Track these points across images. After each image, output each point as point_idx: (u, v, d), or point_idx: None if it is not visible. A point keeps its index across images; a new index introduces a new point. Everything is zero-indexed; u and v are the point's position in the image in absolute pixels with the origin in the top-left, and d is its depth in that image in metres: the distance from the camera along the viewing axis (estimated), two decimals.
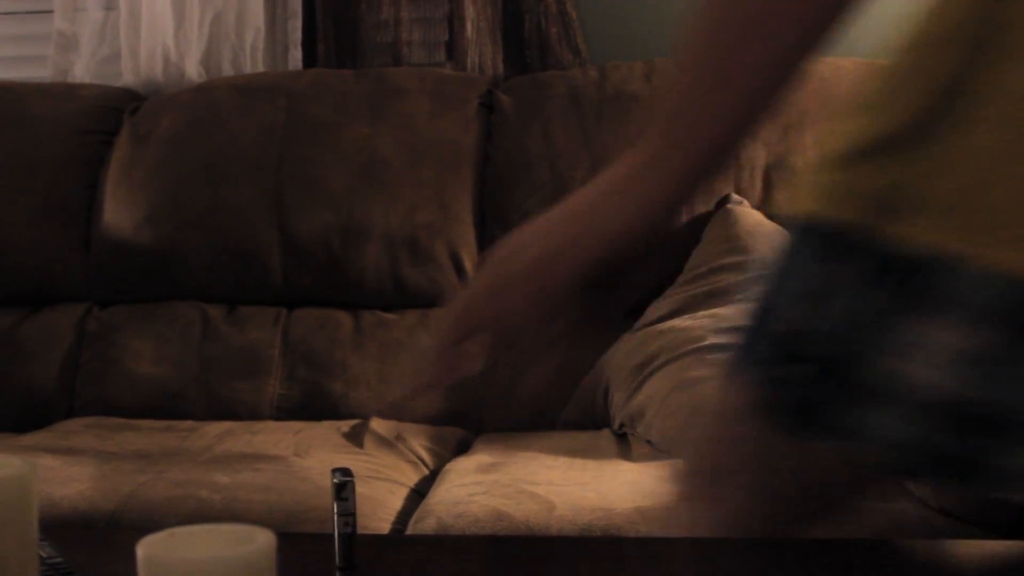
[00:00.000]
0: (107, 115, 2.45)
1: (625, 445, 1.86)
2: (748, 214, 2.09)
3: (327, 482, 0.89)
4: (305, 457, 1.82)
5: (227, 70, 2.58)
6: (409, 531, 1.60)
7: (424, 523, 1.57)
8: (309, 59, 2.59)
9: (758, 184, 2.14)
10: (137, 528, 1.34)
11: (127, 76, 2.61)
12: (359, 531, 0.89)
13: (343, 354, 2.19)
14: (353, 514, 0.86)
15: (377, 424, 1.96)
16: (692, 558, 1.06)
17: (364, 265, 2.22)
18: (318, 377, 2.18)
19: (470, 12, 2.48)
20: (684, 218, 2.15)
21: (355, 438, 1.94)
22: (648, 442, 1.81)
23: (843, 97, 2.17)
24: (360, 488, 1.00)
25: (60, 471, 1.73)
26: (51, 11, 2.71)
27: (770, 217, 2.09)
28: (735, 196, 2.14)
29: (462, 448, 1.99)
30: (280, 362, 2.22)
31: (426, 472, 1.88)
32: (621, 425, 1.90)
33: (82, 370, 2.29)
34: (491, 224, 2.25)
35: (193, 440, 1.97)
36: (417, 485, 1.80)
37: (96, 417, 2.18)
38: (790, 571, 1.00)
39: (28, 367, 2.30)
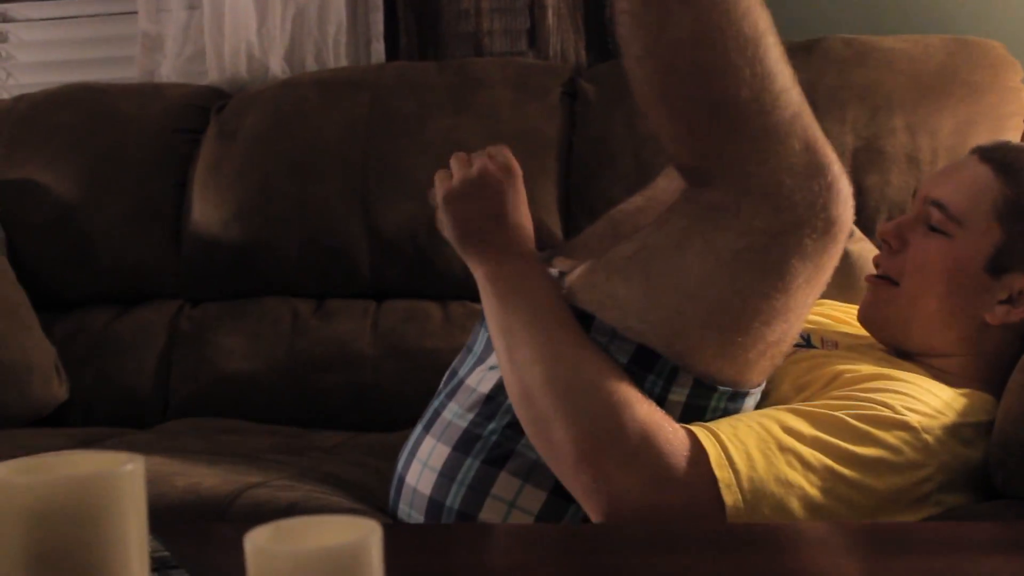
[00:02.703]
0: (194, 113, 2.48)
1: None
2: None
3: None
4: None
5: (310, 65, 2.60)
6: None
7: None
8: (391, 51, 2.59)
9: (847, 168, 2.09)
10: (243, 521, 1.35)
11: (212, 74, 2.64)
12: None
13: (434, 344, 2.20)
14: None
15: None
16: (772, 544, 1.06)
17: (451, 255, 2.20)
18: (409, 368, 2.19)
19: (551, 0, 2.47)
20: None
21: None
22: None
23: (932, 76, 2.14)
24: None
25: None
26: (135, 12, 2.74)
27: (859, 201, 2.06)
28: None
29: None
30: (370, 354, 2.23)
31: None
32: None
33: (175, 367, 2.31)
34: (576, 212, 2.24)
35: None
36: None
37: (201, 419, 2.21)
38: (866, 554, 0.99)
39: (122, 364, 2.33)
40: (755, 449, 1.20)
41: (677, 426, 1.21)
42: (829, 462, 1.22)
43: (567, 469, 1.22)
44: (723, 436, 1.21)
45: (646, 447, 1.19)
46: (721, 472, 1.18)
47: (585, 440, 1.20)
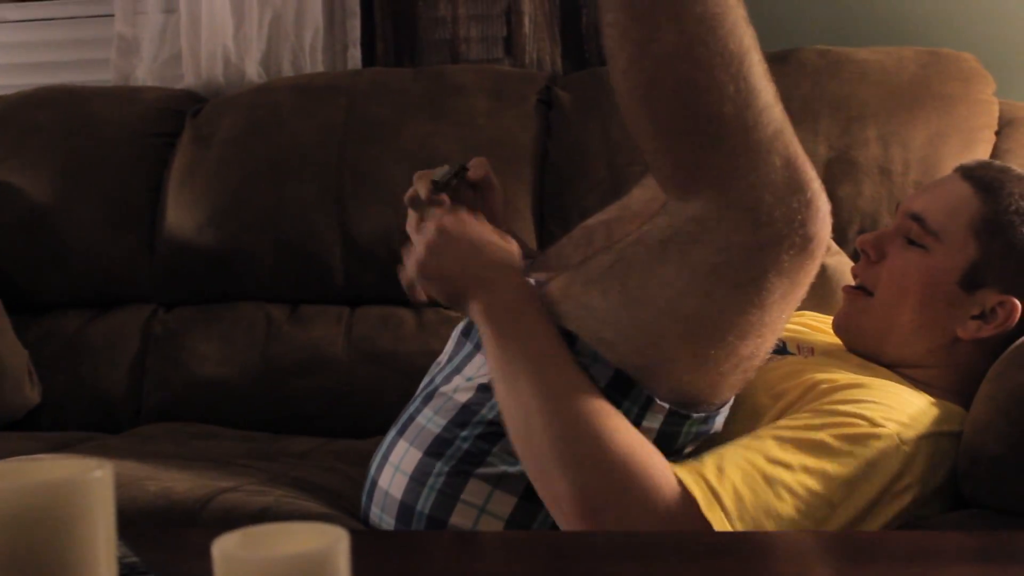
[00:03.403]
0: (169, 117, 2.47)
1: None
2: None
3: None
4: None
5: (287, 70, 2.60)
6: None
7: None
8: (368, 57, 2.59)
9: (819, 178, 2.10)
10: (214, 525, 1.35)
11: (188, 78, 2.63)
12: None
13: (407, 351, 2.20)
14: None
15: None
16: (751, 553, 1.06)
17: None
18: (382, 374, 2.19)
19: (527, 7, 2.47)
20: None
21: None
22: None
23: (905, 88, 2.15)
24: None
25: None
26: (111, 15, 2.74)
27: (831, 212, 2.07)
28: None
29: None
30: (344, 360, 2.23)
31: None
32: None
33: (149, 371, 2.31)
34: (550, 220, 2.25)
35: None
36: None
37: (174, 423, 2.21)
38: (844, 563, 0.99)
39: (96, 369, 2.32)
40: (742, 485, 1.21)
41: (668, 471, 1.21)
42: (817, 488, 1.24)
43: (565, 518, 1.22)
44: (710, 476, 1.22)
45: (642, 501, 1.19)
46: (711, 514, 1.19)
47: (585, 498, 1.20)
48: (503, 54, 2.52)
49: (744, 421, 1.39)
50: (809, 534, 1.19)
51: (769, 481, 1.23)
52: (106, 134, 2.43)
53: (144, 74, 2.70)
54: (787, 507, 1.22)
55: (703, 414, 1.28)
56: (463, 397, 1.37)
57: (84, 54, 2.86)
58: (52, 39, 2.89)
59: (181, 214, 2.34)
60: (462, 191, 1.66)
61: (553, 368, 1.26)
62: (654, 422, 1.27)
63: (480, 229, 1.41)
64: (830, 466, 1.25)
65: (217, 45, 2.60)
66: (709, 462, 1.24)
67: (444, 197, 1.57)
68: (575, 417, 1.23)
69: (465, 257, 1.38)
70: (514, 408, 1.28)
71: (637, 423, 1.26)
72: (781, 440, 1.27)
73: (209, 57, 2.60)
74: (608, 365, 1.27)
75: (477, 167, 1.65)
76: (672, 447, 1.29)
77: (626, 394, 1.26)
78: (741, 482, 1.22)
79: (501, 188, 1.70)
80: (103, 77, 2.75)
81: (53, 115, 2.47)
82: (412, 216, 1.58)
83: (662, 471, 1.21)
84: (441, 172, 1.57)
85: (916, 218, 1.51)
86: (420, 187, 1.55)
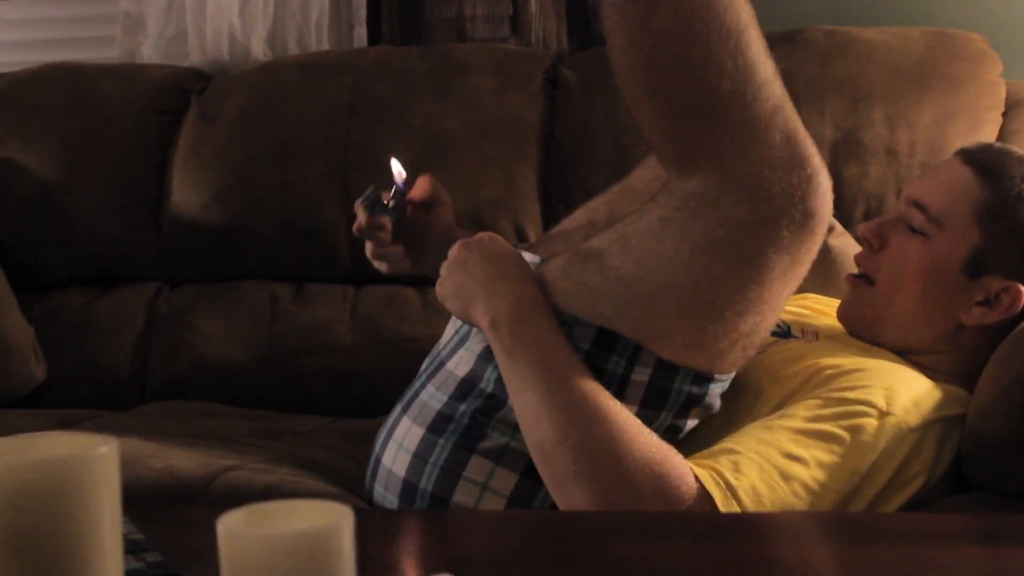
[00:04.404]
0: (175, 95, 2.47)
1: None
2: None
3: None
4: None
5: (292, 48, 2.59)
6: None
7: None
8: (374, 36, 2.59)
9: (826, 159, 2.09)
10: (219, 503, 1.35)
11: (193, 56, 2.63)
12: None
13: (412, 330, 2.20)
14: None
15: None
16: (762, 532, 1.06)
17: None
18: (387, 354, 2.20)
19: None
20: None
21: None
22: None
23: (912, 68, 2.14)
24: None
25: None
26: None
27: (837, 193, 2.06)
28: None
29: None
30: (348, 339, 2.23)
31: None
32: None
33: (154, 349, 2.31)
34: (555, 200, 2.24)
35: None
36: None
37: (179, 401, 2.21)
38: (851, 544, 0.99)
39: (101, 346, 2.32)
40: (760, 482, 1.22)
41: (685, 470, 1.21)
42: (830, 483, 1.25)
43: None
44: (727, 474, 1.22)
45: (661, 505, 1.18)
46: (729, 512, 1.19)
47: (601, 504, 1.19)
48: (509, 33, 2.51)
49: (746, 405, 1.40)
50: (812, 515, 1.19)
51: (786, 478, 1.23)
52: (111, 112, 2.43)
53: (149, 52, 2.70)
54: (802, 504, 1.22)
55: (693, 370, 1.28)
56: (462, 370, 1.37)
57: (89, 31, 2.86)
58: (57, 16, 2.89)
59: (186, 192, 2.34)
60: (405, 209, 1.64)
61: (562, 376, 1.25)
62: (643, 375, 1.27)
63: (494, 243, 1.40)
64: (841, 459, 1.26)
65: (223, 23, 2.59)
66: (724, 459, 1.24)
67: (383, 220, 1.57)
68: (588, 426, 1.22)
69: (473, 269, 1.37)
70: (526, 417, 1.27)
71: (626, 378, 1.26)
72: (794, 432, 1.27)
73: (214, 35, 2.60)
74: (590, 326, 1.27)
75: (421, 186, 1.65)
76: (664, 404, 1.29)
77: (612, 349, 1.27)
78: (759, 479, 1.22)
79: (451, 201, 1.70)
80: (108, 55, 2.75)
81: (58, 93, 2.47)
82: (368, 245, 1.63)
83: (679, 472, 1.20)
84: (365, 194, 1.58)
85: (917, 205, 1.51)
86: (359, 215, 1.56)
